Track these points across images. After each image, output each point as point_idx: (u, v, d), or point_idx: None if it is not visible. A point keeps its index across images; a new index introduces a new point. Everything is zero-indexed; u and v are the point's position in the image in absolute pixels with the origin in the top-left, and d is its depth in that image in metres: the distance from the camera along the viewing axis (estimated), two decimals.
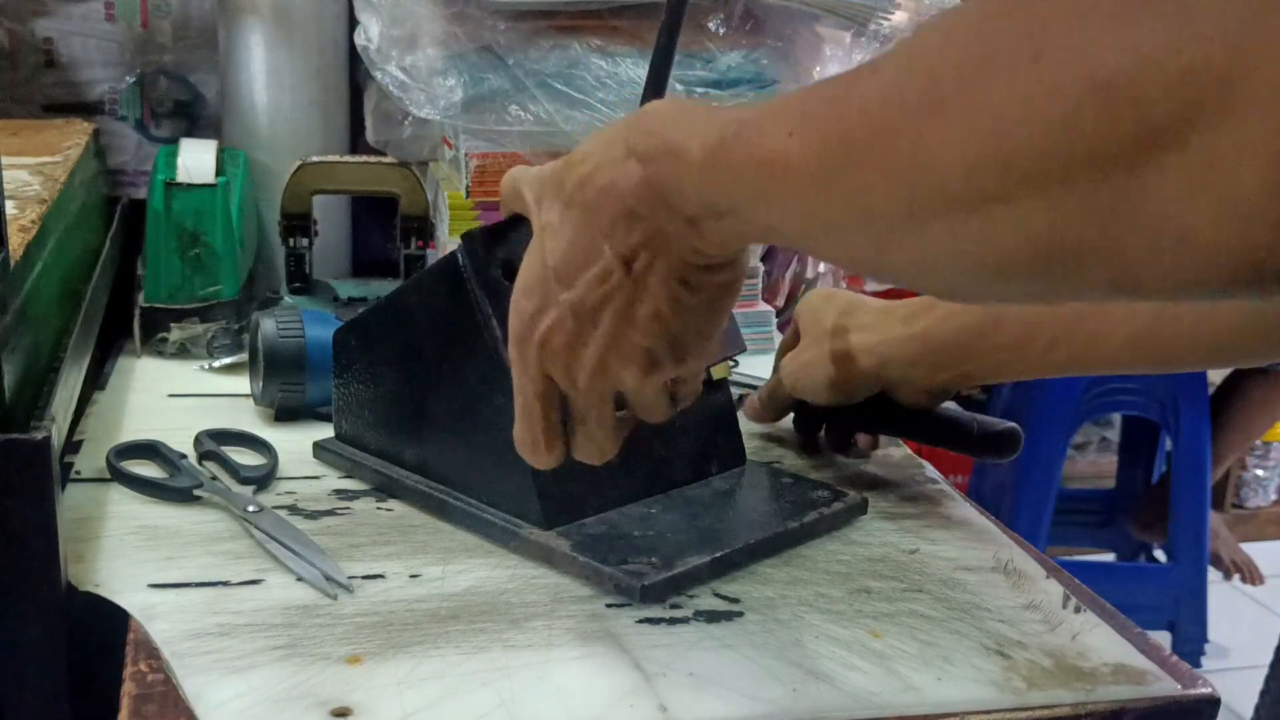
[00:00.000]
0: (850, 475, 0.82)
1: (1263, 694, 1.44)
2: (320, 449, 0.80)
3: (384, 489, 0.75)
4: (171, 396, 0.90)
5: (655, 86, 0.68)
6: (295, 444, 0.80)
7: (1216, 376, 2.16)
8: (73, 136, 1.02)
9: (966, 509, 0.77)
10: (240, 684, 0.54)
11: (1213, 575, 2.18)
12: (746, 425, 0.84)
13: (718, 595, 0.64)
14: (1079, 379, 2.00)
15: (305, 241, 1.06)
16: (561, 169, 0.54)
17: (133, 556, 0.65)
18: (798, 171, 0.42)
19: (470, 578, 0.65)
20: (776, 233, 0.47)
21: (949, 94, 0.36)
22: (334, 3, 1.14)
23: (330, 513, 0.72)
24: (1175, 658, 0.61)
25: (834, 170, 0.40)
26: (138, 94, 1.21)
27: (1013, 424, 0.77)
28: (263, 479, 0.75)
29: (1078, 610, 0.64)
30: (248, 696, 0.53)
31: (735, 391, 0.90)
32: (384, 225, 1.14)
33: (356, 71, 1.16)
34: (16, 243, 0.69)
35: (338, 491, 0.75)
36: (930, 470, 0.83)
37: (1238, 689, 1.63)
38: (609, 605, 0.62)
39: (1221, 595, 2.31)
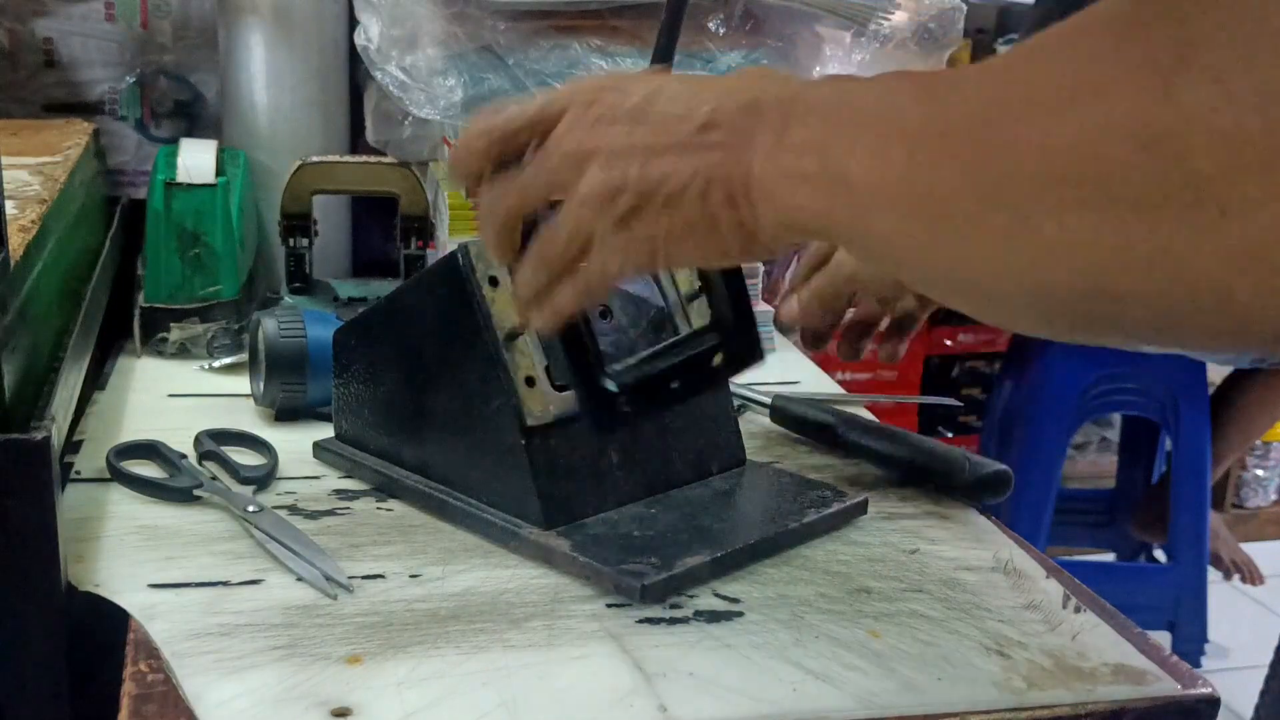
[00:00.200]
0: (850, 475, 0.82)
1: (1263, 694, 1.44)
2: (320, 449, 0.80)
3: (384, 489, 0.75)
4: (171, 396, 0.90)
5: None
6: (295, 444, 0.80)
7: (1216, 376, 2.16)
8: (73, 136, 1.02)
9: (966, 509, 0.77)
10: (240, 684, 0.54)
11: (1213, 575, 2.18)
12: (746, 425, 0.84)
13: (718, 595, 0.64)
14: (1079, 379, 2.00)
15: (305, 241, 1.06)
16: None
17: (133, 556, 0.65)
18: (894, 200, 0.42)
19: (470, 578, 0.65)
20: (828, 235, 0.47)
21: (1026, 114, 0.37)
22: (334, 3, 1.14)
23: (330, 513, 0.72)
24: (1175, 658, 0.61)
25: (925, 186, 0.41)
26: (138, 94, 1.21)
27: (1003, 466, 0.78)
28: (263, 479, 0.75)
29: (1078, 610, 0.64)
30: (248, 696, 0.53)
31: (736, 395, 0.90)
32: (384, 225, 1.14)
33: (356, 71, 1.16)
34: (16, 243, 0.69)
35: (338, 491, 0.75)
36: None
37: (1238, 689, 1.63)
38: (609, 605, 0.62)
39: (1221, 595, 2.31)
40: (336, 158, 1.07)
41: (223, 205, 0.97)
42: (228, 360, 0.96)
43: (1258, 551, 2.36)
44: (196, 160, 0.99)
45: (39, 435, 0.59)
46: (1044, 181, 0.37)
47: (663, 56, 0.64)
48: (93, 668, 0.61)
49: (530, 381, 0.67)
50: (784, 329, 0.80)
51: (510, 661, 0.57)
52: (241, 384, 0.90)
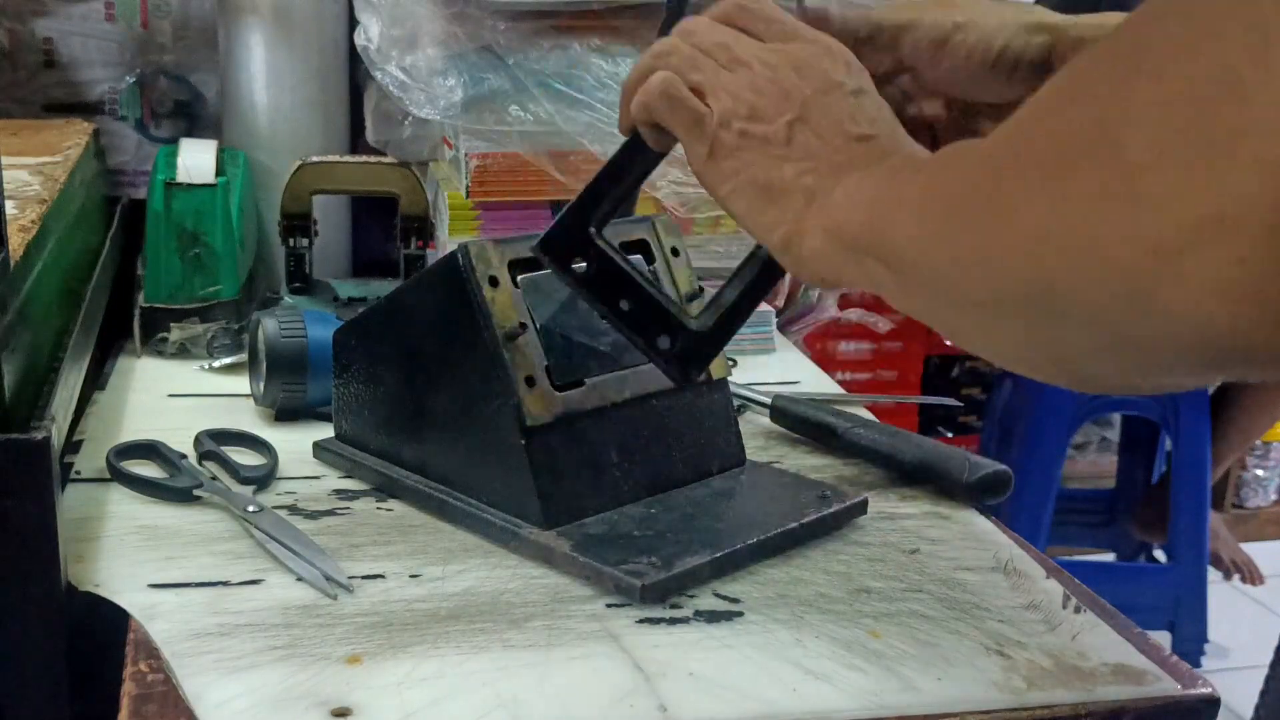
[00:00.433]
0: (850, 475, 0.82)
1: (1263, 694, 1.44)
2: (320, 449, 0.80)
3: (384, 489, 0.75)
4: (171, 396, 0.90)
5: None
6: (295, 444, 0.80)
7: None
8: (73, 136, 1.02)
9: (966, 509, 0.77)
10: (240, 684, 0.54)
11: (1213, 575, 2.18)
12: (746, 425, 0.84)
13: (718, 595, 0.64)
14: None
15: (305, 241, 1.06)
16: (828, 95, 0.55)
17: (133, 556, 0.65)
18: (920, 266, 0.46)
19: (470, 578, 0.65)
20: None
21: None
22: (334, 3, 1.14)
23: (330, 513, 0.72)
24: (1175, 658, 0.61)
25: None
26: (138, 94, 1.21)
27: (1003, 466, 0.78)
28: (263, 479, 0.75)
29: (1078, 610, 0.64)
30: (248, 697, 0.53)
31: (736, 395, 0.90)
32: (384, 225, 1.14)
33: (356, 71, 1.16)
34: (16, 243, 0.69)
35: (338, 491, 0.75)
36: None
37: (1238, 689, 1.63)
38: (609, 605, 0.62)
39: (1221, 595, 2.30)
40: (336, 158, 1.07)
41: (223, 205, 0.97)
42: (228, 360, 0.96)
43: (1258, 551, 2.36)
44: (196, 160, 0.99)
45: (39, 435, 0.59)
46: (1015, 169, 0.39)
47: None
48: (93, 668, 0.61)
49: (530, 381, 0.67)
50: None
51: (510, 661, 0.57)
52: (241, 384, 0.90)
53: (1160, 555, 2.26)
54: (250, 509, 0.69)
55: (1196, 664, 2.02)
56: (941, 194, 0.45)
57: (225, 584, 0.63)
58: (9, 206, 0.73)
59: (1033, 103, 0.39)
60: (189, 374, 0.95)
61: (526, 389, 0.67)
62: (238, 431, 0.81)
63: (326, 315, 0.89)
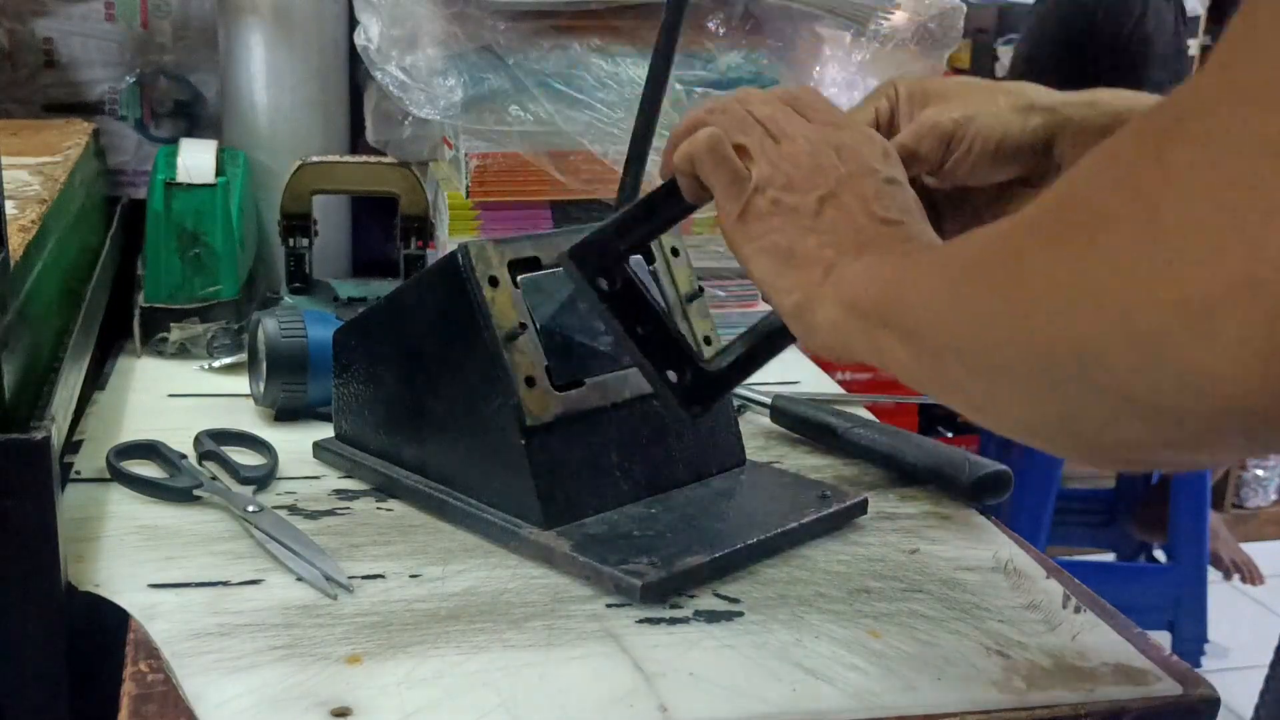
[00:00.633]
0: (850, 475, 0.82)
1: (1263, 694, 1.44)
2: (320, 449, 0.80)
3: (384, 489, 0.75)
4: (171, 396, 0.90)
5: (655, 86, 0.68)
6: (295, 444, 0.80)
7: None
8: (73, 136, 1.02)
9: (966, 509, 0.77)
10: (240, 684, 0.54)
11: (1213, 575, 2.19)
12: (746, 425, 0.84)
13: (718, 595, 0.64)
14: None
15: (305, 241, 1.06)
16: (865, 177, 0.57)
17: (133, 556, 0.65)
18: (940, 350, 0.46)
19: (470, 578, 0.65)
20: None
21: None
22: (334, 3, 1.14)
23: (330, 513, 0.72)
24: (1175, 658, 0.61)
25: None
26: (138, 94, 1.21)
27: (1003, 466, 0.78)
28: (263, 479, 0.75)
29: (1078, 610, 0.64)
30: (248, 696, 0.53)
31: (736, 395, 0.90)
32: (384, 225, 1.14)
33: (356, 71, 1.16)
34: (16, 243, 0.69)
35: (338, 491, 0.75)
36: None
37: (1238, 689, 1.63)
38: (609, 605, 0.62)
39: (1221, 595, 2.31)
40: (336, 158, 1.07)
41: (223, 205, 0.97)
42: (228, 360, 0.96)
43: (1258, 551, 2.36)
44: (196, 160, 0.99)
45: (39, 435, 0.59)
46: (1042, 231, 0.39)
47: (663, 57, 0.64)
48: (93, 668, 0.61)
49: (530, 381, 0.67)
50: None
51: (510, 661, 0.57)
52: (241, 384, 0.90)
53: (1160, 555, 2.26)
54: (250, 509, 0.69)
55: (1196, 664, 2.03)
56: (961, 257, 0.45)
57: (225, 584, 0.63)
58: (9, 206, 0.73)
59: (1065, 177, 0.39)
60: (189, 374, 0.95)
61: (526, 389, 0.67)
62: (238, 431, 0.81)
63: (326, 315, 0.89)
